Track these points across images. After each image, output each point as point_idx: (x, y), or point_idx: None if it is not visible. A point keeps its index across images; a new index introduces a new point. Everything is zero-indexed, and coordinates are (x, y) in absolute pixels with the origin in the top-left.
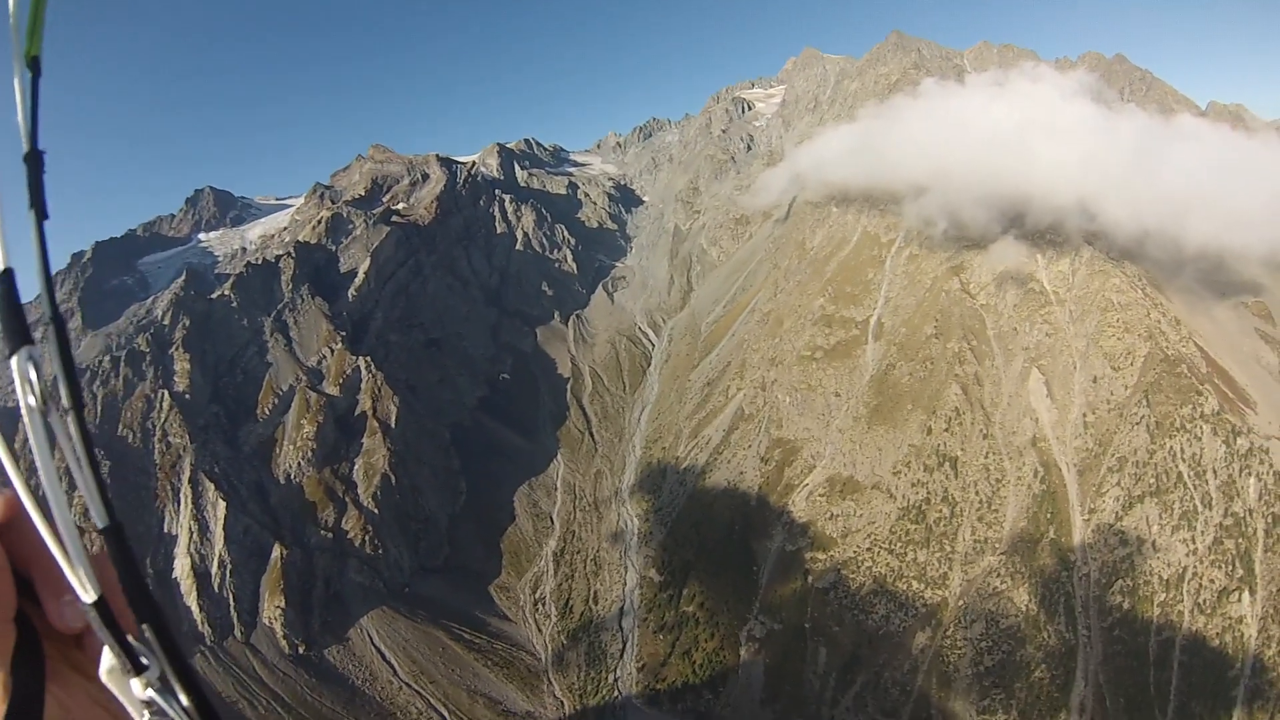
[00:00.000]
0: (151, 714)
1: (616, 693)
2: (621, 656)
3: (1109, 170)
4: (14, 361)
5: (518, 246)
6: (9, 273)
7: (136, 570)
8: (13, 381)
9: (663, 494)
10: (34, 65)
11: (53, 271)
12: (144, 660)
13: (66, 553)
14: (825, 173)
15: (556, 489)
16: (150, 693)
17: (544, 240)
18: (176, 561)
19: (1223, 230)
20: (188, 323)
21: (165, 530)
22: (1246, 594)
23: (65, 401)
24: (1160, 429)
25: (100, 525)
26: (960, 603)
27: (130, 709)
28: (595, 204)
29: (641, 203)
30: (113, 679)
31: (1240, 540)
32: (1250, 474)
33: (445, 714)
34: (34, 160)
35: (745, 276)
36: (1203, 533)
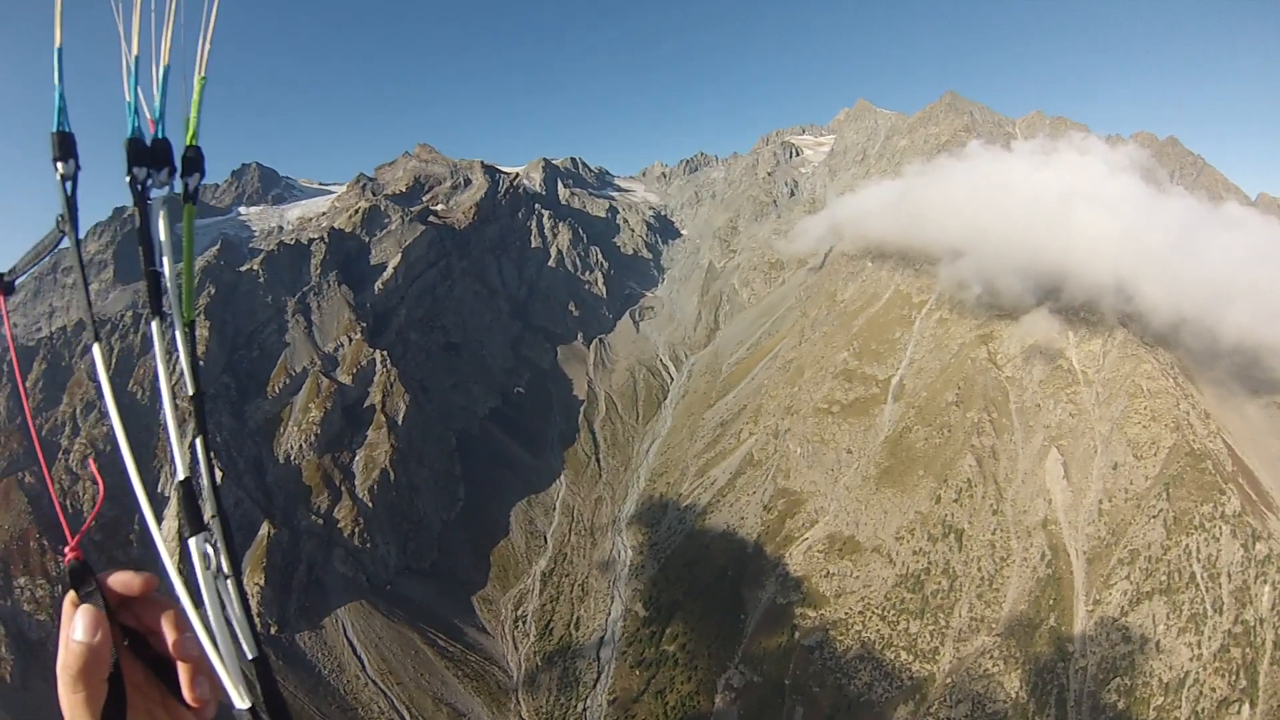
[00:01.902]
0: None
1: None
2: (594, 687)
3: (1151, 251)
4: (192, 542)
5: (550, 263)
6: (187, 480)
7: (278, 692)
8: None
9: (661, 529)
10: (191, 325)
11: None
12: None
13: (226, 667)
14: (864, 226)
15: (555, 509)
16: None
17: (577, 260)
18: (164, 523)
19: (1262, 324)
20: (213, 291)
21: (159, 490)
22: (1247, 707)
23: (226, 569)
24: (1178, 525)
25: (250, 656)
26: (948, 680)
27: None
28: (633, 230)
29: (679, 235)
30: None
31: (1248, 650)
32: (1266, 582)
33: (407, 717)
34: (198, 399)
35: (773, 321)
36: (1210, 638)
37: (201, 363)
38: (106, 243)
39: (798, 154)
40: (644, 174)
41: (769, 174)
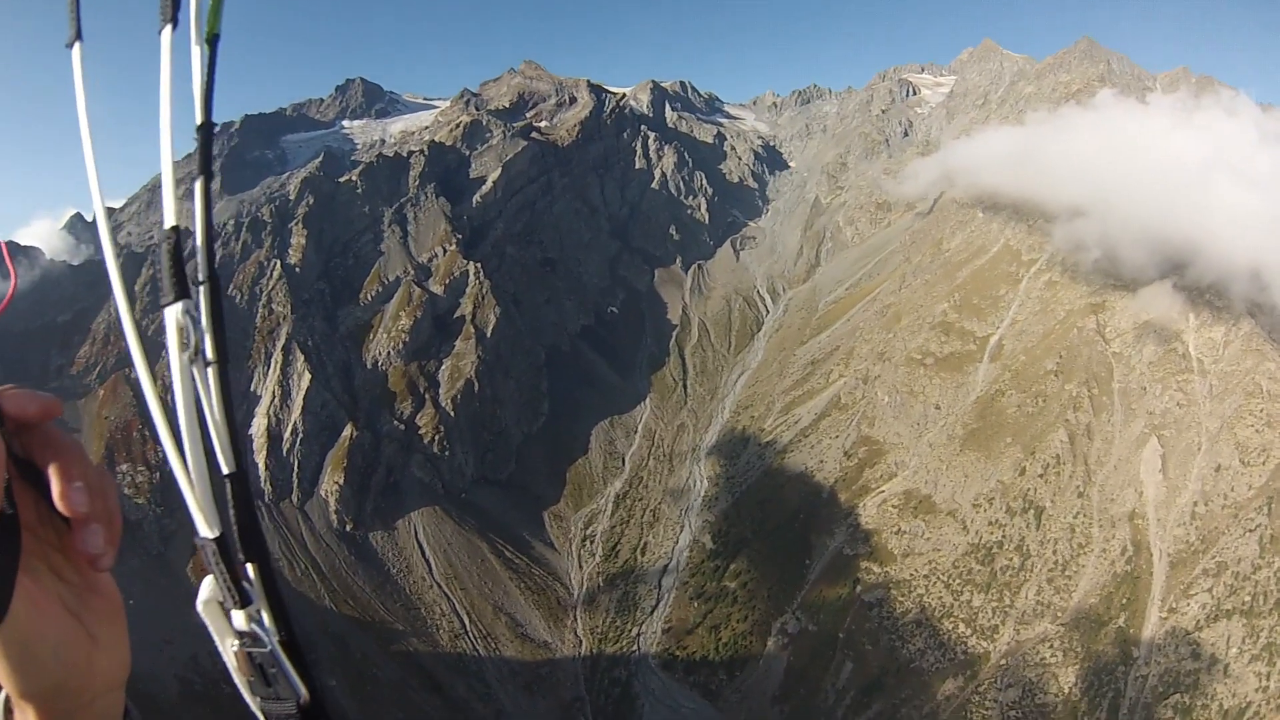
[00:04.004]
0: (243, 644)
1: (635, 647)
2: (651, 614)
3: None
4: (169, 311)
5: (653, 185)
6: (176, 230)
7: (254, 515)
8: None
9: (739, 462)
10: (213, 42)
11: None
12: (250, 595)
13: (194, 489)
14: (978, 174)
15: (636, 432)
16: (251, 625)
17: (681, 184)
18: (255, 420)
19: None
20: (312, 200)
21: (251, 389)
22: None
23: (210, 354)
24: (1274, 544)
25: (226, 471)
26: (1003, 662)
27: (220, 639)
28: (740, 159)
29: (787, 167)
30: (209, 610)
31: None
32: None
33: (466, 622)
34: (205, 130)
35: (875, 263)
36: None
37: (297, 269)
38: (214, 155)
39: (914, 93)
40: (754, 102)
41: (883, 111)
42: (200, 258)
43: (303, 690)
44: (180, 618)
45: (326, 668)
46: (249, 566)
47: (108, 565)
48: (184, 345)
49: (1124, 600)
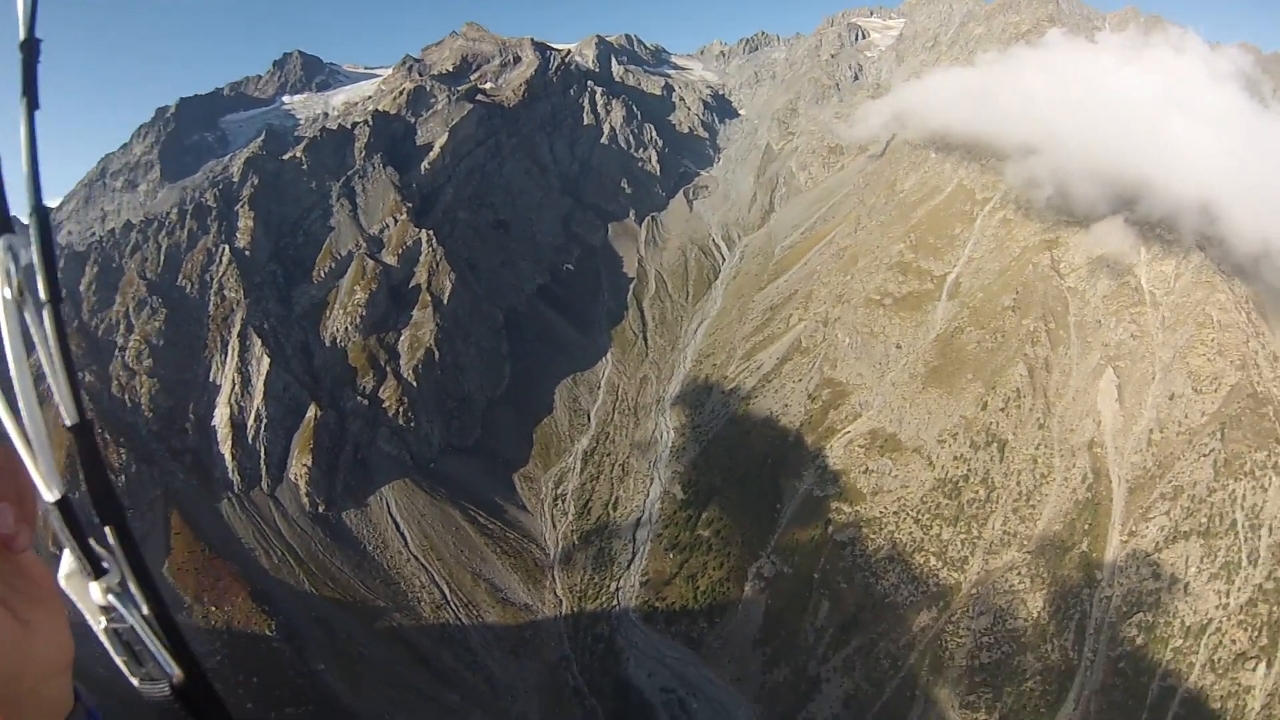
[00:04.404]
0: (109, 620)
1: (615, 602)
2: (628, 567)
3: (1246, 171)
4: None
5: (603, 140)
6: None
7: (103, 470)
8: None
9: (704, 411)
10: None
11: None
12: (105, 565)
13: (31, 448)
14: (930, 115)
15: (600, 387)
16: (110, 598)
17: (631, 138)
18: (216, 410)
19: None
20: (256, 181)
21: (210, 379)
22: (1264, 665)
23: (43, 294)
24: (1227, 468)
25: (69, 423)
26: (973, 591)
27: (88, 615)
28: (689, 109)
29: (737, 115)
30: (71, 584)
31: (1275, 608)
32: None
33: (446, 592)
34: (29, 48)
35: (829, 207)
36: (1240, 589)
37: (247, 253)
38: (151, 144)
39: (864, 36)
40: (702, 52)
41: (832, 56)
42: (25, 187)
43: (174, 669)
44: None
45: (313, 653)
46: (107, 531)
47: (24, 546)
48: (10, 285)
49: (1086, 526)
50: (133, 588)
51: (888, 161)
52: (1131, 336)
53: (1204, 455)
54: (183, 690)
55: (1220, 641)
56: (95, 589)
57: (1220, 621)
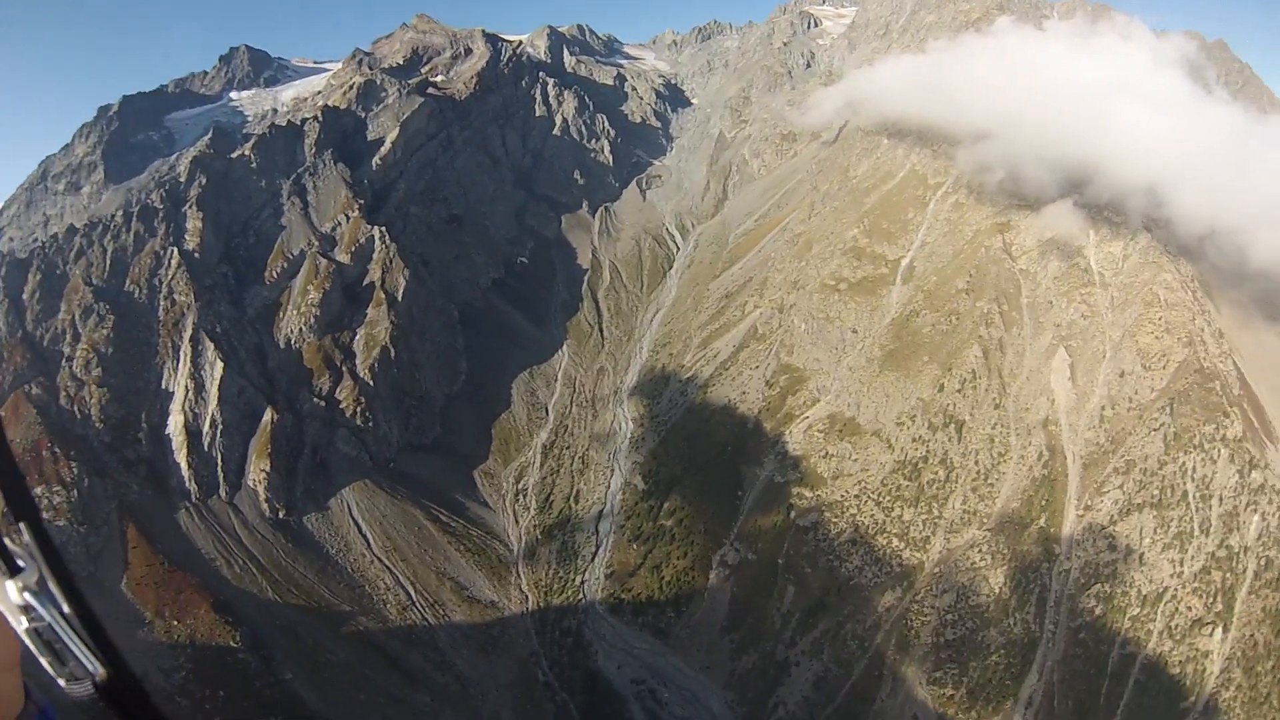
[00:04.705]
0: (29, 620)
1: (581, 595)
2: (593, 560)
3: (1190, 156)
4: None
5: (555, 131)
6: None
7: (14, 467)
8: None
9: (662, 401)
10: None
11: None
12: (21, 563)
13: None
14: (882, 102)
15: (557, 380)
16: (27, 596)
17: (583, 128)
18: (170, 418)
19: None
20: (204, 181)
21: (163, 386)
22: (1220, 630)
23: None
24: (1177, 441)
25: None
26: (936, 570)
27: (8, 615)
28: (641, 99)
29: (689, 104)
30: None
31: (1228, 575)
32: (1256, 511)
33: (412, 593)
34: None
35: (783, 194)
36: (1193, 558)
37: (196, 255)
38: (94, 144)
39: (816, 24)
40: (654, 41)
41: (785, 44)
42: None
43: (97, 666)
44: (122, 638)
45: (280, 661)
46: (22, 528)
47: None
48: None
49: (1043, 502)
50: (51, 585)
51: (840, 148)
52: (1082, 316)
53: (1154, 430)
54: (107, 688)
55: (1176, 609)
56: (11, 588)
57: (1175, 589)
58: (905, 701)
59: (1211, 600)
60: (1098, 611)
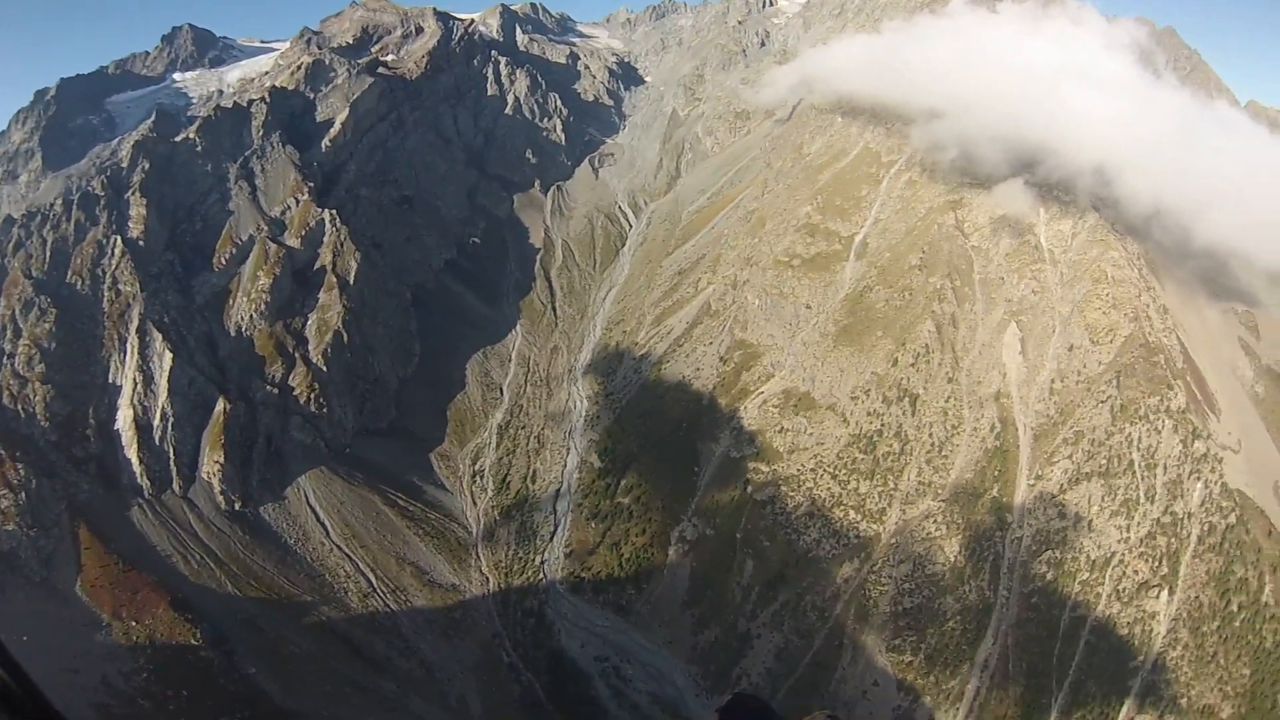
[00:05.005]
0: None
1: (542, 575)
2: (551, 539)
3: (1138, 138)
4: None
5: (507, 110)
6: None
7: None
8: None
9: (616, 379)
10: None
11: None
12: None
13: None
14: (836, 80)
15: (511, 360)
16: None
17: (535, 107)
18: (119, 413)
19: (1236, 232)
20: (147, 166)
21: (110, 380)
22: (1165, 593)
23: None
24: (1124, 413)
25: None
26: (893, 541)
27: None
28: (594, 77)
29: (643, 83)
30: None
31: (1173, 540)
32: (1199, 479)
33: (373, 579)
34: None
35: (736, 171)
36: (1139, 524)
37: (141, 243)
38: (31, 130)
39: (771, 3)
40: (608, 20)
41: (739, 23)
42: None
43: None
44: (80, 642)
45: (243, 656)
46: None
47: None
48: None
49: (996, 472)
50: None
51: (794, 126)
52: (1032, 292)
53: (1102, 402)
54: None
55: (1124, 573)
56: None
57: (1123, 555)
58: (866, 669)
59: (1157, 564)
60: (1049, 577)
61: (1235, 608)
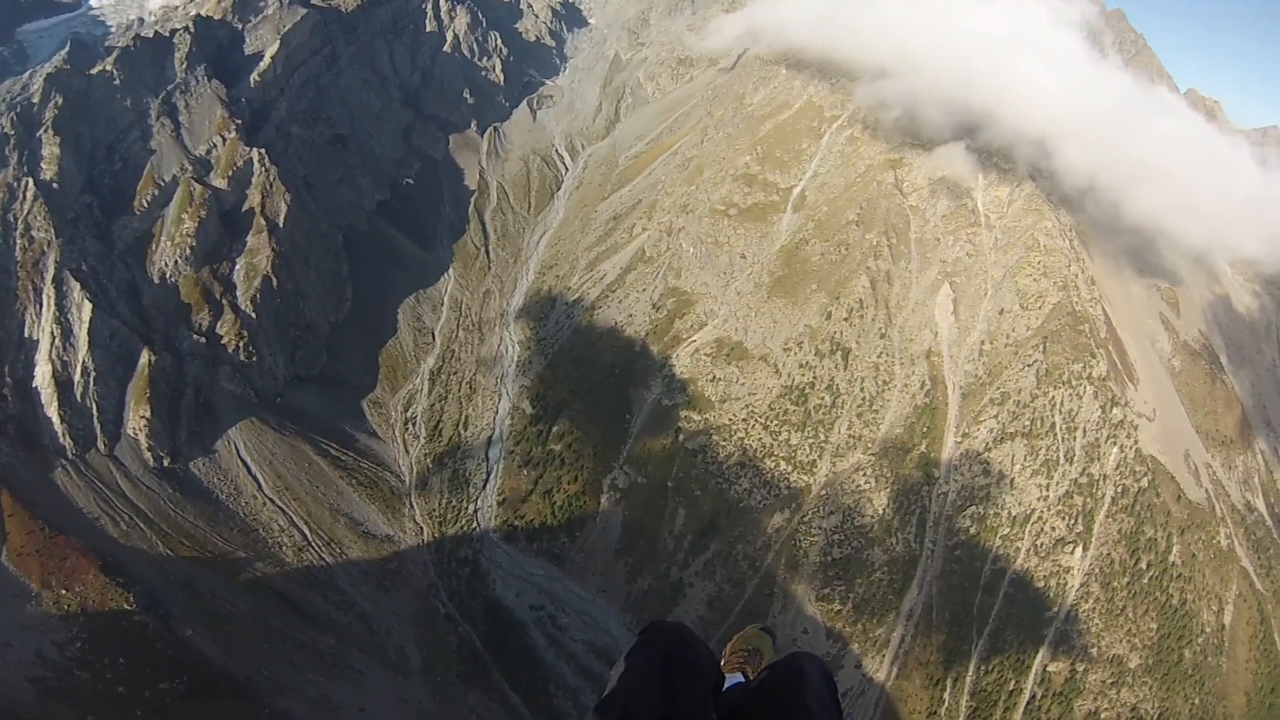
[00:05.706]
0: None
1: (475, 524)
2: (484, 487)
3: (1080, 113)
4: None
5: (445, 48)
6: None
7: None
8: None
9: (548, 324)
10: None
11: None
12: None
13: None
14: (784, 32)
15: (443, 304)
16: None
17: (475, 46)
18: (37, 369)
19: (1165, 212)
20: (61, 101)
21: (26, 335)
22: (1080, 549)
23: None
24: (1048, 377)
25: None
26: (823, 492)
27: None
28: (537, 17)
29: (587, 24)
30: None
31: (1088, 500)
32: (1115, 444)
33: (307, 533)
34: None
35: (676, 119)
36: (1058, 484)
37: (55, 185)
38: None
39: None
40: None
41: None
42: None
43: None
44: (10, 614)
45: (179, 619)
46: None
47: None
48: None
49: (924, 429)
50: None
51: (738, 75)
52: (967, 255)
53: (1028, 365)
54: None
55: (1042, 529)
56: None
57: (1041, 512)
58: (796, 617)
59: (1073, 522)
60: (972, 531)
61: (1144, 565)
